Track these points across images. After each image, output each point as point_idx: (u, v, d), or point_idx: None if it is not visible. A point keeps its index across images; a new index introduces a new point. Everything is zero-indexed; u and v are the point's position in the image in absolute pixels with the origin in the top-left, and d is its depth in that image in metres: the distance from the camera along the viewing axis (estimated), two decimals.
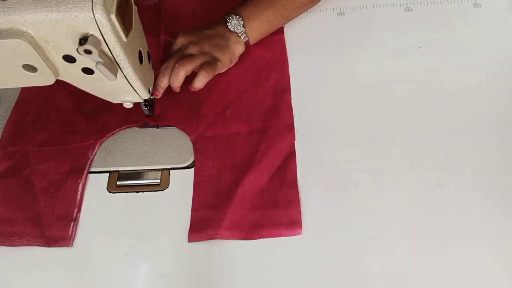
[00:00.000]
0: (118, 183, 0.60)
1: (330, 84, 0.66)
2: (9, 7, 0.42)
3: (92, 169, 0.61)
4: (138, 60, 0.51)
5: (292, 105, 0.64)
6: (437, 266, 0.50)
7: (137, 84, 0.52)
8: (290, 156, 0.59)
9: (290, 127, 0.61)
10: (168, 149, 0.62)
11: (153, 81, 0.59)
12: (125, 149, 0.62)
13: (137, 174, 0.60)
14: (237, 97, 0.65)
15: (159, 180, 0.59)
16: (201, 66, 0.62)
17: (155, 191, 0.58)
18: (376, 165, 0.58)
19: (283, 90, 0.65)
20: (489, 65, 0.65)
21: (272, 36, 0.70)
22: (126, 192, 0.59)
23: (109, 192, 0.59)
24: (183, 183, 0.59)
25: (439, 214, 0.54)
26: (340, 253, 0.52)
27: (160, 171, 0.60)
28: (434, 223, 0.53)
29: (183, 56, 0.62)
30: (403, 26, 0.71)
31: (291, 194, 0.56)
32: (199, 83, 0.62)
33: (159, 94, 0.61)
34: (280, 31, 0.71)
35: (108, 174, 0.60)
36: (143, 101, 0.57)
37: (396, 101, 0.63)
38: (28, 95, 0.68)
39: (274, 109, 0.63)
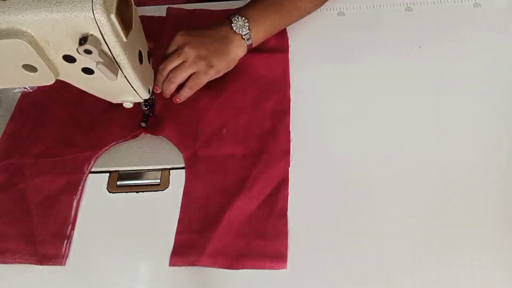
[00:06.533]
0: (118, 183, 0.59)
1: (330, 84, 0.66)
2: (9, 7, 0.42)
3: (92, 169, 0.61)
4: (138, 60, 0.51)
5: (290, 108, 0.63)
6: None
7: (137, 84, 0.52)
8: (282, 184, 0.57)
9: (286, 153, 0.59)
10: (168, 149, 0.62)
11: (153, 81, 0.59)
12: (125, 149, 0.62)
13: (137, 174, 0.60)
14: (235, 116, 0.63)
15: (159, 180, 0.59)
16: (189, 80, 0.61)
17: (155, 191, 0.58)
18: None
19: (282, 113, 0.63)
20: (489, 65, 0.65)
21: (275, 54, 0.69)
22: (126, 192, 0.59)
23: (109, 192, 0.59)
24: (183, 183, 0.59)
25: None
26: None
27: (160, 171, 0.60)
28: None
29: (175, 67, 0.60)
30: (403, 26, 0.71)
31: (280, 225, 0.54)
32: (182, 96, 0.62)
33: (159, 89, 0.61)
34: (285, 49, 0.70)
35: (108, 174, 0.60)
36: (143, 101, 0.57)
37: (396, 101, 0.63)
38: (25, 107, 0.68)
39: (271, 132, 0.61)
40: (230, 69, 0.65)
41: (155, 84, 0.60)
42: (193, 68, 0.60)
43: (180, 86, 0.61)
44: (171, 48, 0.62)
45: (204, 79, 0.61)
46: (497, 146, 0.58)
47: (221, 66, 0.62)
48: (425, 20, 0.71)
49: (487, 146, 0.58)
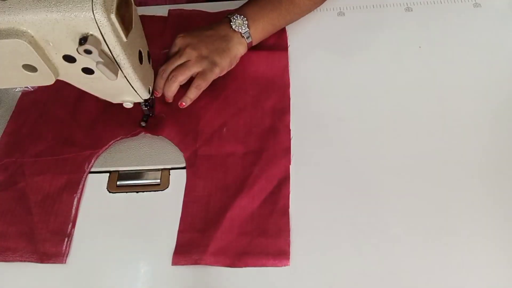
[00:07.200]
0: (118, 183, 0.59)
1: (330, 83, 0.66)
2: (9, 7, 0.42)
3: (92, 169, 0.61)
4: (138, 60, 0.51)
5: (290, 107, 0.63)
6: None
7: (137, 84, 0.52)
8: (283, 182, 0.57)
9: (287, 151, 0.59)
10: (168, 149, 0.62)
11: (153, 81, 0.59)
12: (125, 149, 0.62)
13: (137, 174, 0.60)
14: (235, 115, 0.63)
15: (159, 180, 0.59)
16: (194, 79, 0.61)
17: (155, 191, 0.58)
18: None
19: (282, 111, 0.63)
20: (489, 65, 0.65)
21: (275, 53, 0.69)
22: (126, 192, 0.59)
23: (109, 192, 0.59)
24: (183, 183, 0.59)
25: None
26: None
27: (160, 171, 0.60)
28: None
29: (178, 66, 0.61)
30: (403, 26, 0.71)
31: (281, 223, 0.54)
32: (189, 98, 0.61)
33: (159, 93, 0.61)
34: (284, 48, 0.70)
35: (108, 174, 0.60)
36: (143, 101, 0.57)
37: (396, 101, 0.63)
38: (25, 106, 0.68)
39: (271, 130, 0.61)
40: (232, 67, 0.65)
41: (155, 88, 0.60)
42: (197, 67, 0.61)
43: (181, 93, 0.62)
44: (173, 50, 0.63)
45: (210, 77, 0.61)
46: (497, 146, 0.58)
47: (224, 64, 0.63)
48: (425, 20, 0.71)
49: (487, 146, 0.58)
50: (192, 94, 0.61)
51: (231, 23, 0.63)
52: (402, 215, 0.54)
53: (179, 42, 0.63)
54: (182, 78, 0.60)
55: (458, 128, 0.60)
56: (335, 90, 0.65)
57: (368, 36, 0.71)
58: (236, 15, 0.64)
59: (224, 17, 0.65)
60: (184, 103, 0.61)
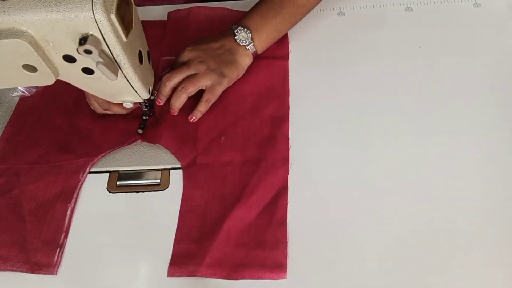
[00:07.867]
0: (118, 183, 0.59)
1: (329, 88, 0.65)
2: (9, 7, 0.42)
3: (92, 169, 0.61)
4: (138, 60, 0.51)
5: (289, 108, 0.63)
6: None
7: (137, 84, 0.52)
8: (282, 192, 0.56)
9: (285, 160, 0.58)
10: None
11: (153, 81, 0.59)
12: (125, 149, 0.62)
13: (137, 174, 0.60)
14: (234, 124, 0.63)
15: (159, 180, 0.59)
16: (204, 93, 0.62)
17: (155, 191, 0.58)
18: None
19: (281, 119, 0.62)
20: (489, 65, 0.65)
21: (275, 60, 0.69)
22: (126, 192, 0.59)
23: (109, 192, 0.59)
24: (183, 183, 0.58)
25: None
26: None
27: (160, 171, 0.60)
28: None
29: (187, 78, 0.61)
30: (403, 26, 0.71)
31: (279, 234, 0.53)
32: (199, 112, 0.62)
33: (162, 101, 0.61)
34: (285, 55, 0.69)
35: (108, 174, 0.60)
36: (143, 101, 0.57)
37: (396, 101, 0.63)
38: (23, 111, 0.67)
39: (270, 139, 0.60)
40: (239, 77, 0.66)
41: (157, 96, 0.61)
42: (206, 80, 0.61)
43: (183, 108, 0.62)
44: (180, 62, 0.63)
45: (219, 90, 0.62)
46: (497, 147, 0.58)
47: (232, 75, 0.64)
48: (425, 20, 0.71)
49: (487, 146, 0.58)
50: (202, 107, 0.62)
51: (235, 37, 0.64)
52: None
53: (187, 54, 0.63)
54: (191, 89, 0.61)
55: (459, 128, 0.60)
56: (335, 90, 0.65)
57: (368, 36, 0.71)
58: (239, 28, 0.64)
59: (228, 29, 0.66)
60: (194, 117, 0.62)
